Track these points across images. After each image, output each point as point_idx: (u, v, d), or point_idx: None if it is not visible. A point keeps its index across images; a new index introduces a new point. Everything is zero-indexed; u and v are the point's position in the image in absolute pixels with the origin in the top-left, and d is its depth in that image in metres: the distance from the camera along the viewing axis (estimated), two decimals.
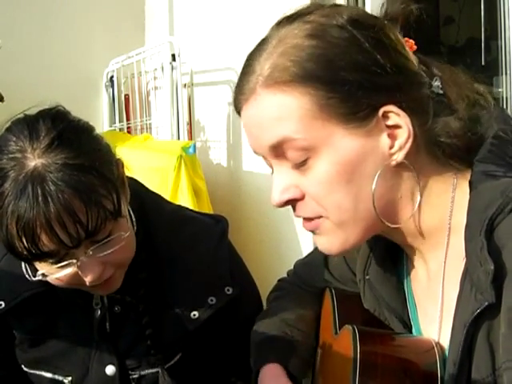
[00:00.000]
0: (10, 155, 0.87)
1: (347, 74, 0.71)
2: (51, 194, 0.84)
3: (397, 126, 0.72)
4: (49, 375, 1.07)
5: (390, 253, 0.87)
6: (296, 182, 0.75)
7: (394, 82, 0.72)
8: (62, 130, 0.89)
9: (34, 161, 0.86)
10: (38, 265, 0.94)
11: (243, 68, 0.77)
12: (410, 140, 0.72)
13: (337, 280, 1.04)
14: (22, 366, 1.09)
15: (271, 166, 0.79)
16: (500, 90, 2.00)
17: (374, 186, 0.72)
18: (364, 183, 0.73)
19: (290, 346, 0.98)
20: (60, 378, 1.06)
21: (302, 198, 0.76)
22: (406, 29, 0.78)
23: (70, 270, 0.92)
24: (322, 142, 0.72)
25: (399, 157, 0.73)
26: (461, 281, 0.70)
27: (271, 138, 0.74)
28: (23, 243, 0.86)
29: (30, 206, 0.84)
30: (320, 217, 0.76)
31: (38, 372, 1.08)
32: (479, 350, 0.67)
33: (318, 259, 1.07)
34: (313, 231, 0.78)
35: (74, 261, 0.90)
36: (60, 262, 0.90)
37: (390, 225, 0.75)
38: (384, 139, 0.73)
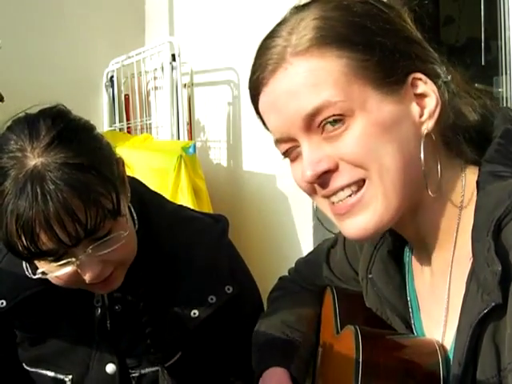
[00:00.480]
0: (11, 154, 0.87)
1: (380, 38, 0.72)
2: (50, 192, 0.84)
3: (424, 95, 0.74)
4: (50, 373, 1.07)
5: (393, 252, 0.87)
6: (329, 153, 0.73)
7: (419, 52, 0.74)
8: (61, 129, 0.89)
9: (34, 160, 0.86)
10: (37, 263, 0.94)
11: (260, 48, 0.76)
12: (439, 108, 0.73)
13: (338, 278, 1.04)
14: (23, 365, 1.09)
15: (287, 151, 0.77)
16: (500, 90, 2.00)
17: (422, 151, 0.73)
18: (403, 145, 0.72)
19: (291, 349, 0.98)
20: (61, 376, 1.06)
21: (336, 168, 0.73)
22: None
23: (69, 269, 0.92)
24: (358, 105, 0.71)
25: (429, 125, 0.74)
26: (467, 281, 0.70)
27: (308, 105, 0.72)
28: (22, 242, 0.86)
29: (30, 204, 0.84)
30: (362, 181, 0.73)
31: (38, 370, 1.08)
32: (485, 350, 0.67)
33: (319, 257, 1.07)
34: (347, 213, 0.74)
35: (74, 259, 0.91)
36: (59, 261, 0.91)
37: (430, 193, 0.73)
38: (414, 107, 0.74)
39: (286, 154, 0.78)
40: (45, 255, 0.89)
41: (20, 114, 0.93)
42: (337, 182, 0.73)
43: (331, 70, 0.71)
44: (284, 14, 0.78)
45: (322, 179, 0.74)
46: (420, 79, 0.74)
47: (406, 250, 0.88)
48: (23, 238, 0.86)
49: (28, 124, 0.90)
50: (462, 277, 0.72)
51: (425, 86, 0.74)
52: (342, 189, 0.74)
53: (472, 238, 0.69)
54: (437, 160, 0.75)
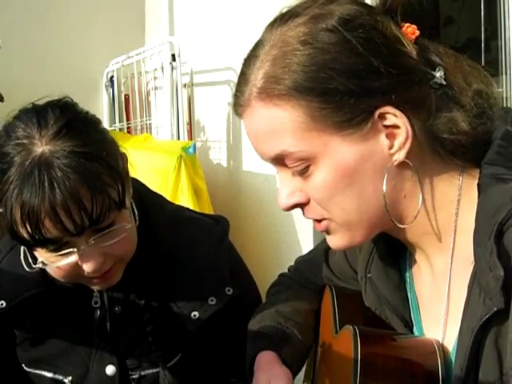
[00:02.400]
0: (17, 141, 0.88)
1: (338, 83, 0.70)
2: (57, 180, 0.84)
3: (395, 126, 0.72)
4: (49, 375, 1.07)
5: (392, 251, 0.87)
6: (300, 187, 0.76)
7: (388, 83, 0.71)
8: (70, 119, 0.90)
9: (42, 147, 0.87)
10: (38, 253, 0.94)
11: (239, 75, 0.78)
12: (409, 139, 0.71)
13: (337, 277, 1.04)
14: (23, 365, 1.09)
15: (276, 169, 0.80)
16: (500, 90, 2.00)
17: (384, 188, 0.72)
18: (365, 185, 0.73)
19: (284, 336, 0.98)
20: (60, 377, 1.06)
21: (308, 201, 0.77)
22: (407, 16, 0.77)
23: (70, 260, 0.92)
24: (318, 151, 0.72)
25: (400, 156, 0.72)
26: (469, 284, 0.70)
27: (269, 151, 0.75)
28: (27, 228, 0.86)
29: (36, 191, 0.84)
30: (326, 219, 0.77)
31: (38, 371, 1.08)
32: (487, 355, 0.66)
33: (319, 256, 1.07)
34: (324, 232, 0.80)
35: (75, 249, 0.91)
36: (61, 250, 0.91)
37: (398, 225, 0.75)
38: (383, 140, 0.72)
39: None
40: (48, 243, 0.89)
41: (27, 105, 0.94)
42: (307, 214, 0.79)
43: (289, 119, 0.72)
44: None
45: (296, 207, 0.78)
46: (388, 113, 0.71)
47: (406, 248, 0.87)
48: (27, 225, 0.86)
49: (37, 113, 0.90)
50: (463, 278, 0.72)
51: (394, 118, 0.71)
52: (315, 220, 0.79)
53: (474, 242, 0.69)
54: (417, 183, 0.74)
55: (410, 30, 0.75)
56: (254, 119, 0.75)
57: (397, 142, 0.72)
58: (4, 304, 1.03)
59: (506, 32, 1.90)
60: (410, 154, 0.72)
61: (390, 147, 0.72)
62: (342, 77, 0.70)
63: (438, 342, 0.78)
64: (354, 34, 0.71)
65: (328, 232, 0.79)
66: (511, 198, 0.67)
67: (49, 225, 0.86)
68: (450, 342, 0.76)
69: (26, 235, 0.87)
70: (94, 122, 0.96)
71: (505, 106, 1.97)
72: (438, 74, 0.74)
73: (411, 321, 0.85)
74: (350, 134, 0.71)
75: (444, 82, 0.74)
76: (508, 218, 0.66)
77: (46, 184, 0.84)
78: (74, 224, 0.86)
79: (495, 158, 0.72)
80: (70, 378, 1.06)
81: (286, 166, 0.75)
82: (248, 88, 0.74)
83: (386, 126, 0.72)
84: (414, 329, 0.85)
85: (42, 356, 1.07)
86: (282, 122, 0.72)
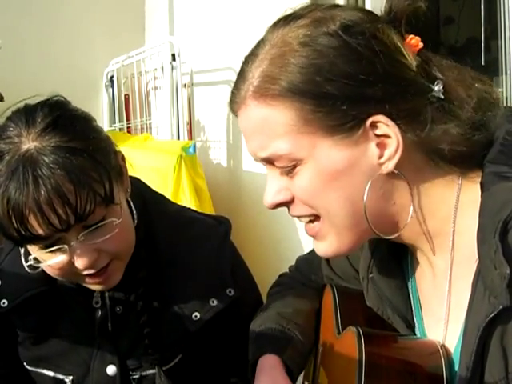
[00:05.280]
0: (8, 140, 0.89)
1: (334, 87, 0.70)
2: (42, 176, 0.85)
3: (386, 136, 0.71)
4: (50, 374, 1.07)
5: (394, 251, 0.87)
6: (286, 186, 0.77)
7: (383, 92, 0.71)
8: (58, 116, 0.91)
9: (28, 144, 0.88)
10: (30, 249, 0.94)
11: (239, 71, 0.78)
12: (400, 150, 0.71)
13: (339, 277, 1.04)
14: (24, 364, 1.09)
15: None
16: (500, 90, 2.00)
17: (365, 198, 0.72)
18: (352, 191, 0.73)
19: (286, 338, 0.98)
20: (61, 376, 1.06)
21: (293, 200, 0.77)
22: (406, 26, 0.76)
23: (62, 257, 0.92)
24: (307, 153, 0.73)
25: (389, 166, 0.72)
26: (473, 283, 0.69)
27: (261, 150, 0.75)
28: (13, 225, 0.87)
29: (20, 187, 0.85)
30: (316, 218, 0.77)
31: (39, 370, 1.08)
32: (492, 353, 0.66)
33: (320, 255, 1.07)
34: (313, 236, 0.80)
35: (66, 246, 0.91)
36: (52, 247, 0.91)
37: (382, 236, 0.76)
38: (372, 148, 0.72)
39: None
40: (36, 239, 0.89)
41: (19, 105, 0.95)
42: (294, 211, 0.79)
43: (281, 121, 0.72)
44: (281, 14, 0.78)
45: (282, 206, 0.79)
46: (380, 122, 0.71)
47: (407, 248, 0.87)
48: (14, 221, 0.87)
49: (26, 112, 0.92)
50: (465, 277, 0.72)
51: (386, 127, 0.71)
52: (300, 217, 0.79)
53: (477, 240, 0.68)
54: (407, 192, 0.74)
55: (414, 42, 0.75)
56: (247, 118, 0.76)
57: (387, 152, 0.72)
58: (6, 303, 1.03)
59: (506, 32, 1.89)
60: (401, 163, 0.72)
61: (380, 156, 0.72)
62: (337, 81, 0.70)
63: (440, 342, 0.78)
64: (353, 40, 0.71)
65: (317, 236, 0.79)
66: None
67: (34, 221, 0.86)
68: (452, 342, 0.76)
69: (13, 232, 0.88)
70: (85, 118, 0.96)
71: (505, 105, 1.97)
72: (437, 87, 0.73)
73: (413, 321, 0.85)
74: (341, 139, 0.71)
75: (442, 96, 0.73)
76: None
77: (30, 180, 0.85)
78: (59, 219, 0.87)
79: (498, 157, 0.72)
80: (71, 377, 1.06)
81: (273, 164, 0.76)
82: (245, 86, 0.75)
83: (377, 135, 0.72)
84: (416, 329, 0.85)
85: (44, 355, 1.07)
86: (273, 124, 0.73)
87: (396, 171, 0.72)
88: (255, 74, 0.74)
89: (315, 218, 0.77)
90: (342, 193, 0.73)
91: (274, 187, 0.78)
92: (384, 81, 0.71)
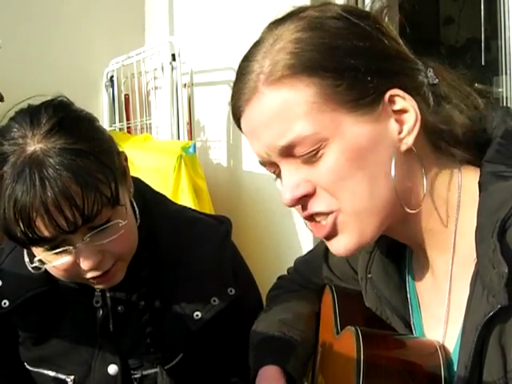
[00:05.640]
0: (12, 141, 0.89)
1: (351, 60, 0.71)
2: (49, 178, 0.85)
3: (403, 111, 0.73)
4: (52, 374, 1.07)
5: (392, 251, 0.87)
6: (306, 177, 0.74)
7: (396, 66, 0.73)
8: (62, 117, 0.91)
9: (34, 146, 0.88)
10: (35, 251, 0.94)
11: (238, 71, 0.76)
12: (418, 123, 0.72)
13: (337, 277, 1.04)
14: (25, 364, 1.09)
15: (274, 171, 0.78)
16: (500, 89, 2.00)
17: (393, 173, 0.72)
18: (377, 169, 0.72)
19: (288, 347, 0.98)
20: (63, 376, 1.06)
21: (314, 192, 0.74)
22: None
23: (67, 258, 0.92)
24: (331, 132, 0.71)
25: (409, 141, 0.73)
26: (471, 282, 0.70)
27: (282, 139, 0.72)
28: (20, 227, 0.87)
29: (27, 189, 0.85)
30: (337, 210, 0.73)
31: (41, 370, 1.08)
32: (491, 352, 0.66)
33: (318, 256, 1.07)
34: (327, 237, 0.76)
35: (71, 247, 0.91)
36: (57, 248, 0.91)
37: (409, 210, 0.74)
38: (392, 124, 0.73)
39: (272, 172, 0.79)
40: (42, 241, 0.89)
41: (22, 106, 0.95)
42: (314, 206, 0.75)
43: (302, 100, 0.71)
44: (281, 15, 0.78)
45: (302, 202, 0.75)
46: (398, 95, 0.72)
47: (406, 249, 0.87)
48: (20, 224, 0.86)
49: (30, 113, 0.92)
50: (465, 277, 0.72)
51: (403, 101, 0.72)
52: (318, 214, 0.75)
53: (476, 240, 0.69)
54: (421, 173, 0.74)
55: None
56: (261, 108, 0.73)
57: (406, 127, 0.73)
58: (7, 303, 1.03)
59: (506, 32, 1.90)
60: (415, 143, 0.73)
61: (400, 132, 0.73)
62: (353, 55, 0.71)
63: (439, 342, 0.78)
64: (358, 22, 0.73)
65: (334, 232, 0.75)
66: None
67: (41, 223, 0.86)
68: (451, 342, 0.76)
69: (19, 234, 0.88)
70: (89, 119, 0.96)
71: (505, 105, 1.97)
72: (430, 73, 0.76)
73: (412, 321, 0.85)
74: (362, 115, 0.71)
75: (436, 81, 0.75)
76: (510, 214, 0.66)
77: (37, 182, 0.85)
78: (66, 221, 0.87)
79: (495, 156, 0.73)
80: (72, 377, 1.06)
81: (292, 156, 0.73)
82: (253, 76, 0.73)
83: (395, 112, 0.73)
84: (415, 329, 0.85)
85: (45, 355, 1.07)
86: (294, 105, 0.71)
87: (414, 148, 0.73)
88: (264, 63, 0.73)
89: (335, 214, 0.74)
90: (368, 173, 0.72)
91: (291, 181, 0.74)
92: (394, 56, 0.73)
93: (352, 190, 0.72)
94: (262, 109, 0.73)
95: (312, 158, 0.72)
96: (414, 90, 0.73)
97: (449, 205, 0.76)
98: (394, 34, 0.76)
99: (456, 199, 0.75)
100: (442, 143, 0.75)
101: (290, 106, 0.71)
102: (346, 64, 0.71)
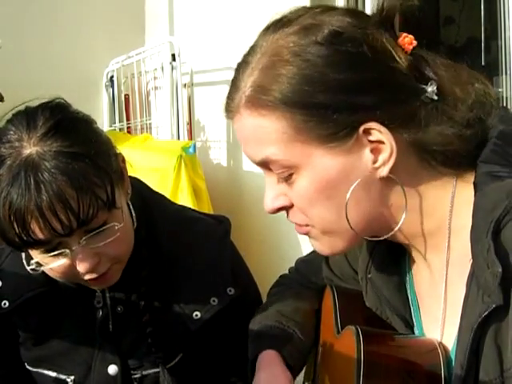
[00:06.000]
0: (8, 144, 0.89)
1: (324, 97, 0.70)
2: (44, 181, 0.85)
3: (379, 142, 0.72)
4: (52, 374, 1.07)
5: (392, 251, 0.87)
6: (284, 192, 0.77)
7: (375, 98, 0.71)
8: (59, 120, 0.91)
9: (30, 149, 0.87)
10: (32, 253, 0.94)
11: (232, 79, 0.78)
12: (394, 156, 0.71)
13: (338, 277, 1.04)
14: (26, 365, 1.09)
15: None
16: (500, 89, 2.00)
17: (348, 195, 0.73)
18: (346, 197, 0.73)
19: (285, 336, 0.98)
20: (63, 376, 1.06)
21: (292, 206, 0.78)
22: (406, 26, 0.77)
23: (63, 261, 0.92)
24: (301, 161, 0.73)
25: (384, 171, 0.72)
26: (467, 282, 0.70)
27: (255, 156, 0.76)
28: (15, 230, 0.87)
29: (22, 192, 0.85)
30: (308, 226, 0.78)
31: (41, 371, 1.08)
32: (487, 352, 0.66)
33: (319, 257, 1.07)
34: (305, 235, 0.81)
35: (67, 250, 0.91)
36: (53, 251, 0.91)
37: (369, 239, 0.78)
38: (367, 154, 0.72)
39: None
40: (37, 244, 0.89)
41: (20, 108, 0.95)
42: (291, 217, 0.80)
43: (273, 130, 0.73)
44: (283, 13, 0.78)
45: (281, 211, 0.80)
46: (373, 128, 0.71)
47: (405, 249, 0.88)
48: (15, 227, 0.86)
49: (27, 116, 0.91)
50: (461, 278, 0.72)
51: (379, 134, 0.71)
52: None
53: (471, 239, 0.69)
54: (402, 194, 0.74)
55: (407, 41, 0.74)
56: (241, 125, 0.77)
57: (381, 157, 0.72)
58: (7, 304, 1.03)
59: (506, 32, 1.89)
60: (396, 166, 0.72)
61: (374, 162, 0.72)
62: (327, 91, 0.70)
63: (439, 341, 0.78)
64: (342, 49, 0.71)
65: (309, 237, 0.80)
66: (507, 195, 0.67)
67: (36, 226, 0.86)
68: (450, 341, 0.76)
69: (14, 237, 0.88)
70: (86, 121, 0.96)
71: (505, 105, 1.97)
72: (430, 88, 0.73)
73: (412, 320, 0.85)
74: (334, 147, 0.72)
75: (435, 97, 0.73)
76: (505, 214, 0.66)
77: (32, 185, 0.85)
78: (61, 225, 0.86)
79: (490, 157, 0.73)
80: (72, 377, 1.06)
81: (271, 170, 0.77)
82: (238, 95, 0.76)
83: (371, 141, 0.72)
84: (415, 329, 0.85)
85: (45, 355, 1.07)
86: (266, 132, 0.73)
87: (391, 175, 0.72)
88: (247, 83, 0.74)
89: (305, 226, 0.79)
90: (337, 200, 0.73)
91: (272, 192, 0.79)
92: (375, 88, 0.71)
93: (321, 216, 0.75)
94: (242, 127, 0.77)
95: (287, 178, 0.75)
96: (396, 119, 0.71)
97: (441, 210, 0.76)
98: (388, 54, 0.72)
99: (449, 201, 0.75)
100: (434, 162, 0.74)
101: (263, 133, 0.74)
102: (317, 101, 0.70)
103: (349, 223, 0.74)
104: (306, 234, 0.80)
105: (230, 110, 0.78)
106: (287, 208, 0.79)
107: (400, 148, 0.72)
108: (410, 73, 0.73)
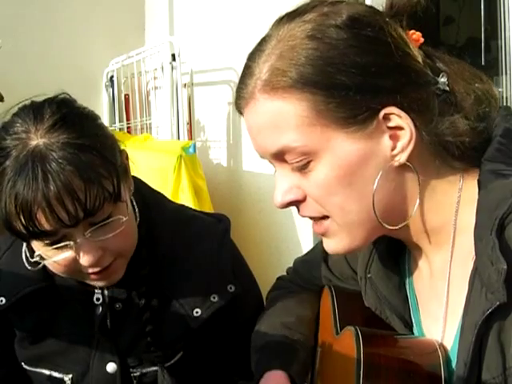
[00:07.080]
0: (15, 135, 0.89)
1: (345, 78, 0.70)
2: (51, 172, 0.85)
3: (399, 128, 0.71)
4: (49, 373, 1.07)
5: (392, 251, 0.87)
6: (298, 184, 0.75)
7: (394, 82, 0.71)
8: (65, 113, 0.91)
9: (37, 140, 0.88)
10: (35, 246, 0.94)
11: (243, 69, 0.77)
12: (413, 141, 0.71)
13: (336, 277, 1.04)
14: (22, 364, 1.09)
15: (274, 166, 0.79)
16: (500, 89, 2.00)
17: (374, 187, 0.72)
18: (366, 185, 0.72)
19: (292, 352, 0.98)
20: (60, 375, 1.06)
21: (304, 199, 0.76)
22: (411, 22, 0.77)
23: (67, 254, 0.92)
24: (321, 147, 0.71)
25: (402, 158, 0.72)
26: (470, 280, 0.70)
27: (271, 146, 0.74)
28: (21, 221, 0.87)
29: (29, 183, 0.85)
30: (325, 217, 0.76)
31: (38, 369, 1.08)
32: (490, 350, 0.66)
33: (317, 257, 1.07)
34: (322, 234, 0.79)
35: (72, 243, 0.91)
36: (58, 243, 0.91)
37: (389, 227, 0.75)
38: (386, 141, 0.72)
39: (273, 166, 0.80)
40: (43, 235, 0.89)
41: (26, 102, 0.95)
42: (304, 211, 0.77)
43: (293, 113, 0.71)
44: (282, 13, 0.77)
45: (293, 205, 0.77)
46: (393, 113, 0.71)
47: (405, 248, 0.88)
48: (22, 217, 0.86)
49: (34, 109, 0.92)
50: (463, 276, 0.72)
51: (399, 119, 0.71)
52: (309, 217, 0.78)
53: (474, 237, 0.69)
54: (417, 184, 0.74)
55: (415, 37, 0.76)
56: (256, 112, 0.74)
57: (400, 144, 0.72)
58: (4, 301, 1.03)
59: (506, 32, 1.90)
60: (411, 156, 0.72)
61: (393, 148, 0.72)
62: (348, 72, 0.70)
63: (439, 341, 0.78)
64: (362, 32, 0.71)
65: (326, 234, 0.78)
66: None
67: (43, 216, 0.86)
68: (449, 340, 0.76)
69: (20, 227, 0.88)
70: (91, 116, 0.97)
71: (505, 105, 1.97)
72: (442, 79, 0.74)
73: (411, 320, 0.85)
74: (354, 132, 0.71)
75: (447, 88, 0.74)
76: (509, 212, 0.66)
77: (40, 176, 0.85)
78: (68, 215, 0.87)
79: (495, 155, 0.73)
80: (70, 375, 1.06)
81: (285, 161, 0.75)
82: (252, 81, 0.74)
83: (390, 128, 0.72)
84: (414, 328, 0.85)
85: (42, 354, 1.07)
86: (286, 116, 0.71)
87: (408, 163, 0.72)
88: (263, 69, 0.73)
89: (325, 219, 0.76)
90: (357, 187, 0.72)
91: (284, 185, 0.76)
92: (395, 71, 0.71)
93: (340, 206, 0.73)
94: (257, 114, 0.74)
95: (303, 167, 0.73)
96: (414, 105, 0.72)
97: (448, 207, 0.76)
98: (403, 42, 0.73)
99: (456, 200, 0.75)
100: (445, 153, 0.74)
101: (282, 117, 0.72)
102: (338, 82, 0.70)
103: (374, 211, 0.72)
104: (325, 232, 0.77)
105: (243, 96, 0.75)
106: (298, 202, 0.76)
107: (416, 136, 0.72)
108: (423, 63, 0.74)
